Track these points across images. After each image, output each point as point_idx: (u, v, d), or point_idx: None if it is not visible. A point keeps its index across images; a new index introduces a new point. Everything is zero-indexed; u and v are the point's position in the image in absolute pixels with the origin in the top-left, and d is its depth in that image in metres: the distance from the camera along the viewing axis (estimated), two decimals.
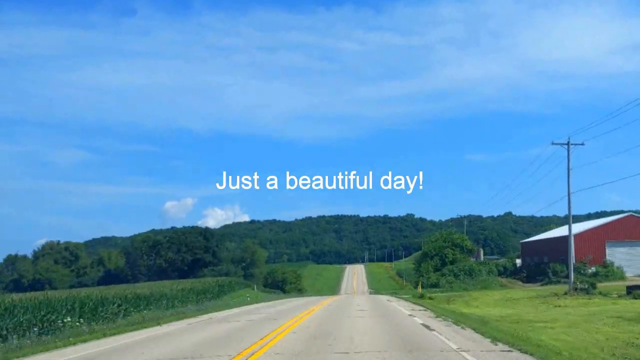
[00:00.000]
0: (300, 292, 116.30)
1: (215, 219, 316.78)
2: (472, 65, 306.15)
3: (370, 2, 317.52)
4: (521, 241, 76.17)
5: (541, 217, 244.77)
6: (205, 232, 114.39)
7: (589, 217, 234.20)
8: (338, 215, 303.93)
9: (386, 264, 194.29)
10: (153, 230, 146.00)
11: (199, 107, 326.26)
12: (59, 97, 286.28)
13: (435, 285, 56.39)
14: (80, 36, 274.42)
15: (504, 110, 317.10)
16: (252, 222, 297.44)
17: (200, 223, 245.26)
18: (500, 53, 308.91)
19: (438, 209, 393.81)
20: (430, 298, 47.56)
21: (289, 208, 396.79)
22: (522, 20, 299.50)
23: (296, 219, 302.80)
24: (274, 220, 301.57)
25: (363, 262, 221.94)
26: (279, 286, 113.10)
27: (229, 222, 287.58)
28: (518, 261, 71.29)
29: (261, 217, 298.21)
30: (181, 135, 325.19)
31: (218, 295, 63.55)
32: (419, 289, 48.19)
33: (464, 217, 72.66)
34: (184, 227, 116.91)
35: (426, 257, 70.67)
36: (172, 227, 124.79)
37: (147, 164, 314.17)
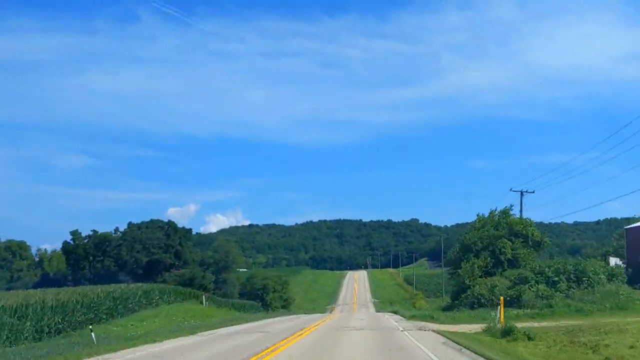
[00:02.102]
0: (286, 303, 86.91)
1: (217, 225, 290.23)
2: (477, 72, 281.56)
3: (375, 9, 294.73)
4: (626, 227, 45.51)
5: (549, 223, 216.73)
6: (167, 228, 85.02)
7: (599, 223, 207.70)
8: (340, 219, 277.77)
9: (391, 270, 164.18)
10: None
11: (203, 113, 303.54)
12: (62, 102, 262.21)
13: (512, 302, 26.95)
14: (84, 42, 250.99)
15: (508, 118, 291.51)
16: (250, 226, 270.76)
17: (203, 229, 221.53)
18: (505, 60, 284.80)
19: (443, 215, 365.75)
20: (528, 337, 18.04)
21: (290, 212, 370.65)
22: (527, 28, 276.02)
23: (296, 224, 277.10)
24: (273, 225, 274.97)
25: (365, 268, 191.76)
26: (259, 295, 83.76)
27: (227, 227, 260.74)
28: (613, 260, 41.65)
29: (262, 222, 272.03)
30: (184, 141, 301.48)
31: (112, 315, 34.51)
32: (501, 316, 18.85)
33: (524, 192, 42.61)
34: (142, 222, 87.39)
35: (467, 252, 41.05)
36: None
37: (150, 170, 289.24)
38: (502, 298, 19.05)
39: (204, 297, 49.36)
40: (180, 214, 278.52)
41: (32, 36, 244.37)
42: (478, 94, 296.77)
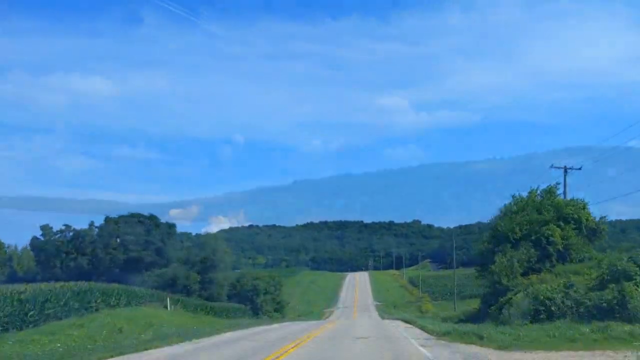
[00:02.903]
0: (279, 306, 76.47)
1: (218, 226, 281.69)
2: (479, 74, 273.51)
3: (377, 12, 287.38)
4: None
5: None
6: (148, 222, 74.85)
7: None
8: (341, 221, 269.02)
9: (394, 271, 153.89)
10: None
11: (205, 115, 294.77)
12: (65, 104, 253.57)
13: (608, 311, 16.74)
14: (87, 44, 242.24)
15: (511, 119, 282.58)
16: (250, 227, 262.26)
17: (204, 230, 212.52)
18: (507, 62, 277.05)
19: (445, 216, 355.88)
20: None
21: (291, 214, 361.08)
22: (530, 31, 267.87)
23: (297, 225, 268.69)
24: (274, 226, 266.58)
25: (367, 269, 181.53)
26: (249, 298, 73.52)
27: (227, 227, 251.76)
28: None
29: (263, 223, 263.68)
30: (187, 143, 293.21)
31: (15, 324, 24.06)
32: None
33: (568, 169, 32.00)
34: (120, 216, 77.19)
35: (502, 243, 30.75)
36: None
37: (151, 171, 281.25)
38: None
39: (169, 300, 39.07)
40: (182, 215, 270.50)
41: (39, 38, 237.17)
42: (481, 96, 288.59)
